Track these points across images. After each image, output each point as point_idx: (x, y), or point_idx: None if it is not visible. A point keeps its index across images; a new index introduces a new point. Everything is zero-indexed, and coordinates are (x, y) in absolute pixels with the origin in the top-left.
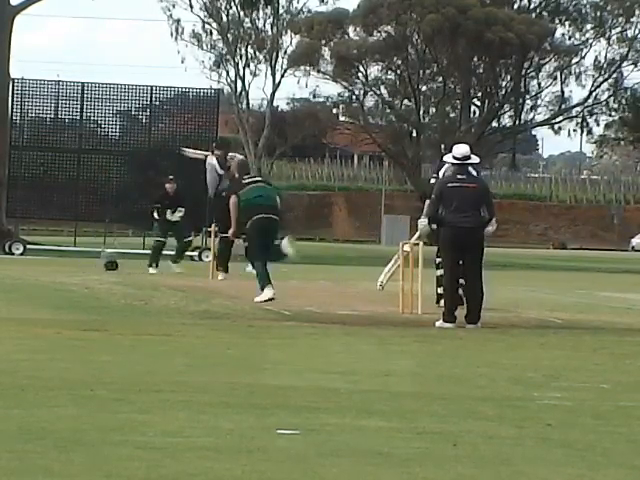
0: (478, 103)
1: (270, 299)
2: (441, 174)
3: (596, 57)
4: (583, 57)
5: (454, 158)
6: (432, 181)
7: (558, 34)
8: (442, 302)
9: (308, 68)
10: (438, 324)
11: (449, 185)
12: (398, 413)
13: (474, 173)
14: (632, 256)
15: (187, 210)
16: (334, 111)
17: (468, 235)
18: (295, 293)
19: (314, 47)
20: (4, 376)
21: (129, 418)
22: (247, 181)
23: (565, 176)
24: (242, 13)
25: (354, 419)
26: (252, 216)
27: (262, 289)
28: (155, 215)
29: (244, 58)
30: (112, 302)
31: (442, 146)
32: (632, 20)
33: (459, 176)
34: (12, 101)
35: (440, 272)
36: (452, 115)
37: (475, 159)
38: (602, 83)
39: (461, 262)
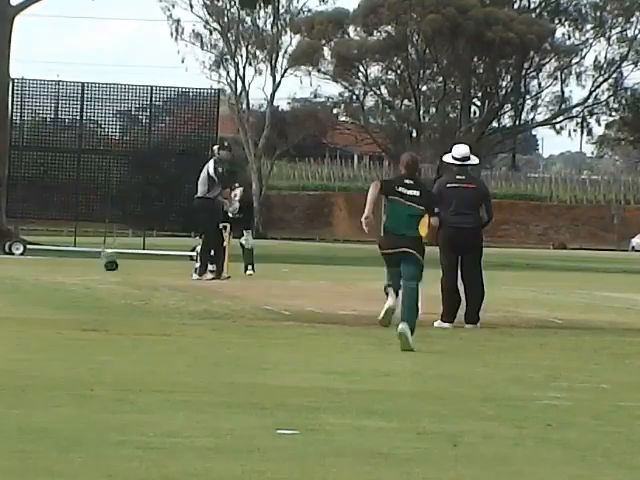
0: (478, 103)
1: None
2: None
3: (596, 57)
4: (583, 57)
5: (453, 159)
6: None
7: (558, 34)
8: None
9: (308, 68)
10: (437, 324)
11: (448, 185)
12: (398, 413)
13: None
14: (632, 256)
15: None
16: (334, 111)
17: (466, 235)
18: (295, 293)
19: (314, 47)
20: (4, 376)
21: (129, 418)
22: None
23: (565, 176)
24: (242, 13)
25: (354, 419)
26: None
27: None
28: None
29: (244, 58)
30: (112, 302)
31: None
32: (632, 20)
33: (458, 177)
34: (12, 101)
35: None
36: (452, 115)
37: (474, 160)
38: (602, 83)
39: (459, 262)
